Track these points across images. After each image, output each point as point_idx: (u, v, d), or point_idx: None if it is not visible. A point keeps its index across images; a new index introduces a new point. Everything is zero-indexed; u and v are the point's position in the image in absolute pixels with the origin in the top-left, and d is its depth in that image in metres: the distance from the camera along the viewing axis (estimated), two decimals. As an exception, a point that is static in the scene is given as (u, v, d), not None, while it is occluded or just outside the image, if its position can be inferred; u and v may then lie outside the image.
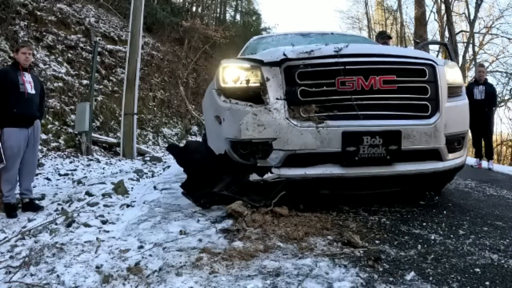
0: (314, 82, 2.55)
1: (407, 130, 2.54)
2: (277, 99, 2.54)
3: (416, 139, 2.56)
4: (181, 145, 3.05)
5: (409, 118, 2.59)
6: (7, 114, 3.49)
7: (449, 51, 5.16)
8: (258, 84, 2.62)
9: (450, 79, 2.81)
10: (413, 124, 2.57)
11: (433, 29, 26.03)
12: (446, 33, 16.84)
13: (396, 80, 2.57)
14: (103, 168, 7.39)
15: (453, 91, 2.86)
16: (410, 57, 2.74)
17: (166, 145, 4.00)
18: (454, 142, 2.83)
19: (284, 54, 2.60)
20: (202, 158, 2.84)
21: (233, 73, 2.71)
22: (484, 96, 6.11)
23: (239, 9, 30.53)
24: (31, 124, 3.67)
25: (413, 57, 2.75)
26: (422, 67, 2.67)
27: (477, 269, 1.70)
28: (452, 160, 2.80)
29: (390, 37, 5.31)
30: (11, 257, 2.17)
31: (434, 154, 2.70)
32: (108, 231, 2.50)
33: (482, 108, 6.04)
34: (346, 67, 2.52)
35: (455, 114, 2.76)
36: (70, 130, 8.91)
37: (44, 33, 10.27)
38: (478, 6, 17.15)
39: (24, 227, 2.93)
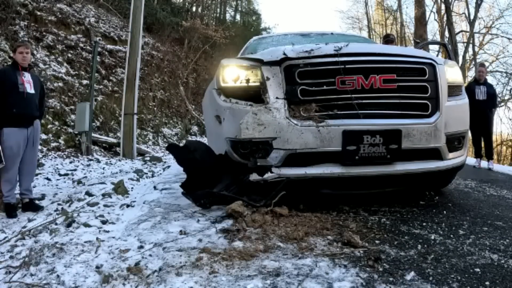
0: (314, 81, 2.55)
1: (407, 129, 2.54)
2: (277, 98, 2.54)
3: (416, 138, 2.56)
4: (181, 144, 3.05)
5: (409, 117, 2.59)
6: (7, 114, 3.49)
7: (448, 51, 5.16)
8: (258, 84, 2.62)
9: (450, 78, 2.81)
10: (413, 123, 2.57)
11: (433, 29, 26.07)
12: (446, 33, 16.82)
13: (396, 79, 2.57)
14: (103, 168, 7.38)
15: (453, 90, 2.86)
16: (410, 56, 2.74)
17: (166, 145, 3.99)
18: (454, 141, 2.83)
19: (284, 53, 2.60)
20: (202, 157, 2.83)
21: (233, 72, 2.71)
22: (486, 97, 6.05)
23: (239, 9, 30.55)
24: (30, 124, 3.67)
25: (413, 56, 2.74)
26: (422, 66, 2.67)
27: (477, 269, 1.69)
28: (453, 159, 2.80)
29: (392, 41, 5.27)
30: (11, 257, 2.16)
31: (434, 153, 2.69)
32: (108, 231, 2.50)
33: (484, 109, 5.99)
34: (346, 66, 2.52)
35: (455, 113, 2.76)
36: (70, 130, 8.91)
37: (44, 33, 10.26)
38: (478, 6, 17.13)
39: (24, 227, 2.93)
